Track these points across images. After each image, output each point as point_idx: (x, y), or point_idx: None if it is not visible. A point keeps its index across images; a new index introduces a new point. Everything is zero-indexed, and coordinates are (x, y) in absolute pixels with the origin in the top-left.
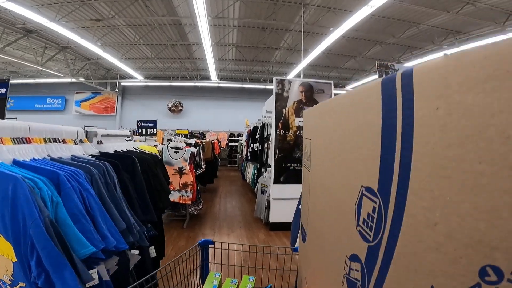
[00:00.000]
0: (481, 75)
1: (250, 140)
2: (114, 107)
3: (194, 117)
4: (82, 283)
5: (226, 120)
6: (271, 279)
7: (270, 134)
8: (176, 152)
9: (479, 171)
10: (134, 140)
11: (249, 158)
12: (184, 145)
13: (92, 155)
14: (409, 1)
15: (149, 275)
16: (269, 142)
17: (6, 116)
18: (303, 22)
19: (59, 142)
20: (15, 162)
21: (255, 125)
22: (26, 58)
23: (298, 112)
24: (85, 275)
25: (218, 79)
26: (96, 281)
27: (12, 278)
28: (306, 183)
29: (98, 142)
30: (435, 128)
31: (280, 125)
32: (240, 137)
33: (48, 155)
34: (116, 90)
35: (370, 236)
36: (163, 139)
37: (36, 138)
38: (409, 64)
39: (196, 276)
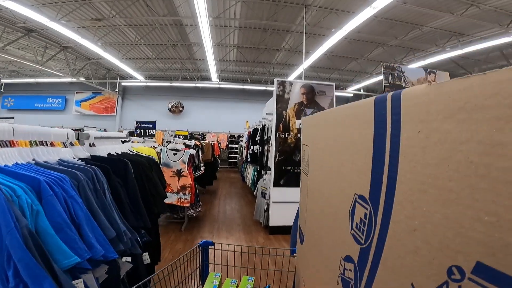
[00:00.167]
0: (455, 106)
1: (250, 142)
2: (114, 107)
3: (194, 118)
4: None
5: (227, 121)
6: (269, 280)
7: (270, 136)
8: (175, 154)
9: (448, 188)
10: (132, 141)
11: (249, 160)
12: (183, 146)
13: (82, 159)
14: (412, 3)
15: (140, 283)
16: (270, 145)
17: (5, 115)
18: (305, 23)
19: (47, 145)
20: None
21: (255, 127)
22: (27, 57)
23: (299, 114)
24: (67, 286)
25: (218, 80)
26: None
27: None
28: (304, 187)
29: (90, 145)
30: (417, 149)
31: (280, 127)
32: (240, 139)
33: (33, 159)
34: (117, 90)
35: (362, 239)
36: (163, 140)
37: (21, 141)
38: (412, 66)
39: (196, 277)
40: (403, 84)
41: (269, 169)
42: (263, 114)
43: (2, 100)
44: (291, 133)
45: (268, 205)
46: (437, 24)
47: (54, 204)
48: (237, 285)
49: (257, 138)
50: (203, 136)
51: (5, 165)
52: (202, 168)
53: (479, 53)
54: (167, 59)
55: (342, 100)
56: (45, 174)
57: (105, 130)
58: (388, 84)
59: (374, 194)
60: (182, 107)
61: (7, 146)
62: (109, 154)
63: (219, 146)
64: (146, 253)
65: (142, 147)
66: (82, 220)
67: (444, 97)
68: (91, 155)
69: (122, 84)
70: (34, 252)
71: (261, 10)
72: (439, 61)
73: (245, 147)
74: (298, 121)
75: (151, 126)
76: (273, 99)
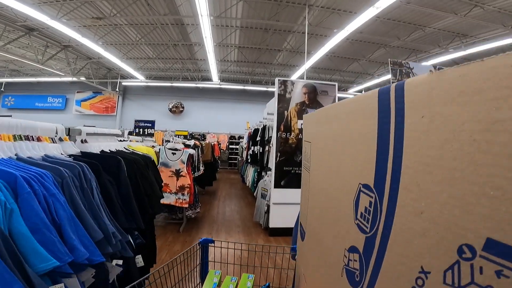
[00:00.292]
0: (455, 90)
1: (251, 143)
2: (115, 107)
3: (194, 118)
4: None
5: (227, 122)
6: (269, 278)
7: (271, 137)
8: (174, 154)
9: (453, 167)
10: (130, 140)
11: (249, 160)
12: (182, 146)
13: (71, 155)
14: (416, 3)
15: (135, 282)
16: (270, 145)
17: (4, 113)
18: (307, 23)
19: (33, 140)
20: None
21: (256, 127)
22: (28, 56)
23: (300, 114)
24: None
25: (219, 81)
26: None
27: None
28: (306, 183)
29: (82, 141)
30: (421, 133)
31: (282, 127)
32: (240, 140)
33: (16, 154)
34: (117, 90)
35: (367, 227)
36: (163, 140)
37: (4, 134)
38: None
39: (195, 274)
40: None
41: (270, 170)
42: (264, 114)
43: (2, 99)
44: (293, 133)
45: (268, 206)
46: (440, 25)
47: (31, 203)
48: (237, 283)
49: (258, 138)
50: (203, 137)
51: None
52: (201, 168)
53: (482, 55)
54: (168, 59)
55: None
56: (25, 170)
57: None
58: (396, 81)
59: (379, 181)
60: (183, 107)
61: None
62: (102, 151)
63: (219, 147)
64: (140, 256)
65: (141, 146)
66: (64, 220)
67: (445, 83)
68: (81, 152)
69: (123, 84)
70: (4, 255)
71: (263, 10)
72: (442, 62)
73: (245, 148)
74: (300, 121)
75: (150, 125)
76: (275, 99)
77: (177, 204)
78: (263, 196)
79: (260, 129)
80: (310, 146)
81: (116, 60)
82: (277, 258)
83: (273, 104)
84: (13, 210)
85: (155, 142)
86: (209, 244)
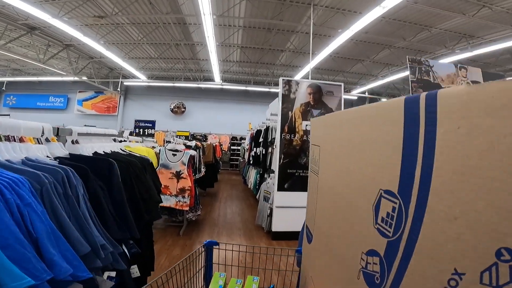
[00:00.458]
0: (497, 103)
1: (253, 144)
2: (116, 107)
3: (196, 119)
4: None
5: (229, 123)
6: (273, 280)
7: (274, 138)
8: (174, 155)
9: (492, 177)
10: (130, 141)
11: (251, 162)
12: (183, 147)
13: (57, 158)
14: (423, 3)
15: None
16: (274, 147)
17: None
18: (312, 22)
19: (14, 141)
20: None
21: (258, 128)
22: (29, 55)
23: (305, 115)
24: None
25: (221, 81)
26: None
27: None
28: (313, 187)
29: (73, 142)
30: (456, 143)
31: (286, 128)
32: (242, 141)
33: None
34: (119, 90)
35: (390, 232)
36: (164, 140)
37: None
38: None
39: (200, 277)
40: (431, 80)
41: (273, 172)
42: (267, 115)
43: (4, 99)
44: (297, 135)
45: (271, 209)
46: (447, 25)
47: (0, 214)
48: (243, 285)
49: (261, 139)
50: (205, 138)
51: None
52: (203, 170)
53: (488, 56)
54: (170, 59)
55: (346, 103)
56: None
57: None
58: (415, 80)
59: (404, 188)
60: (184, 107)
61: None
62: (95, 153)
63: (221, 148)
64: (135, 266)
65: (140, 147)
66: (42, 233)
67: (486, 96)
68: (70, 154)
69: (125, 83)
70: None
71: (266, 9)
72: (447, 63)
73: (247, 149)
74: (305, 122)
75: (151, 125)
76: (279, 99)
77: (177, 207)
78: (266, 199)
79: (263, 130)
80: (318, 149)
81: (118, 59)
82: (280, 261)
83: (276, 105)
84: None
85: (155, 142)
86: (214, 247)
